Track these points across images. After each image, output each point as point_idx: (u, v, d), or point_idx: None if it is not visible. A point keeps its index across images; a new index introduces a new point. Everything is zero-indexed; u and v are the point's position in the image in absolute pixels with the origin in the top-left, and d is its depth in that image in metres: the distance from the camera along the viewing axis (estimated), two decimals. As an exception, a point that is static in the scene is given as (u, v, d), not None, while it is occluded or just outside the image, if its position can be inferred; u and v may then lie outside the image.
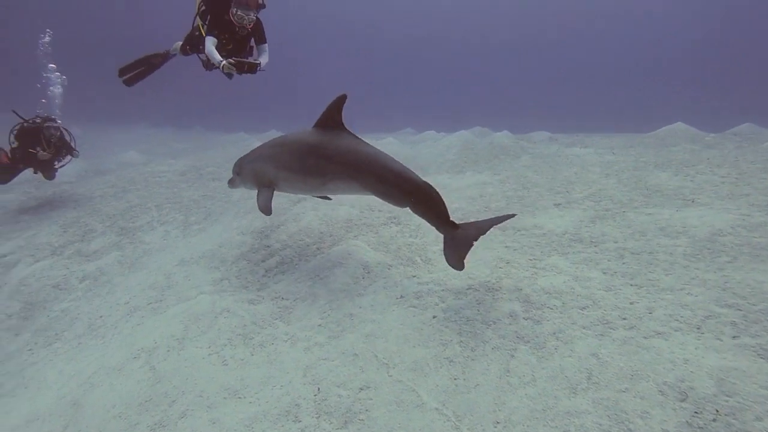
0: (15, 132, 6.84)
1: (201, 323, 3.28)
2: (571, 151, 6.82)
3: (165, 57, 6.53)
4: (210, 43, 5.25)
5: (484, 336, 2.84)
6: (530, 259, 3.66)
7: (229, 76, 5.43)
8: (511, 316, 2.95)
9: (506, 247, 4.01)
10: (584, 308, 2.85)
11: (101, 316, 3.96)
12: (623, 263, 3.32)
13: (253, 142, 11.87)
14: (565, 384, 2.34)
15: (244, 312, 3.40)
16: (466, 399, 2.46)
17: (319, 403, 2.58)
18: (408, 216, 4.93)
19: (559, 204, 4.74)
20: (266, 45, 5.71)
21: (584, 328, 2.68)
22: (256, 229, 4.98)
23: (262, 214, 3.88)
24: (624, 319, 2.67)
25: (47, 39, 8.91)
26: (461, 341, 2.84)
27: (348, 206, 5.11)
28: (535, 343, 2.69)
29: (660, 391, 2.11)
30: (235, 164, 4.28)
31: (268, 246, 4.60)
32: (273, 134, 14.26)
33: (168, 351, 3.06)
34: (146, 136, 17.80)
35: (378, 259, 3.98)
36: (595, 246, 3.70)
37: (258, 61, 5.39)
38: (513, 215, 3.36)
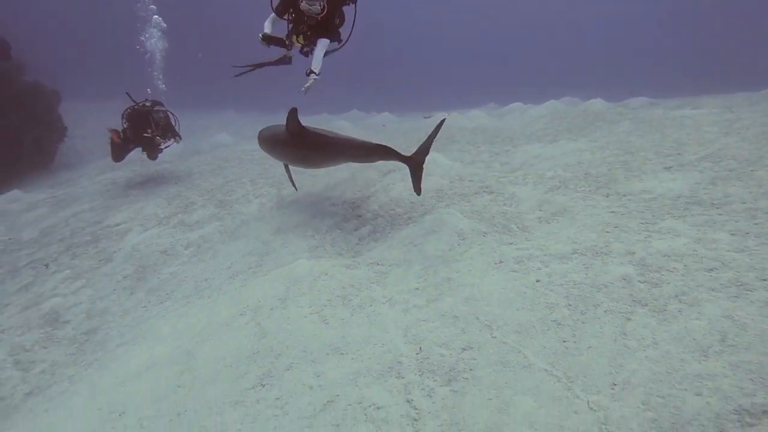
0: (126, 114, 7.40)
1: (301, 285, 3.36)
2: (679, 113, 6.24)
3: (283, 61, 5.85)
4: (269, 18, 5.13)
5: (594, 299, 2.67)
6: (641, 223, 3.39)
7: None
8: (625, 279, 2.75)
9: (612, 212, 3.74)
10: (711, 270, 2.59)
11: (206, 279, 4.20)
12: (756, 224, 2.97)
13: (336, 121, 12.06)
14: (693, 347, 2.14)
15: (342, 275, 3.44)
16: (577, 361, 2.33)
17: (421, 362, 2.55)
18: (500, 185, 4.77)
19: (670, 167, 4.35)
20: (326, 41, 5.13)
21: (713, 290, 2.43)
22: (347, 200, 5.04)
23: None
24: (764, 280, 2.39)
25: None
26: (569, 304, 2.69)
27: (438, 177, 5.02)
28: (654, 306, 2.48)
29: (819, 354, 1.86)
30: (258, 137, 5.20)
31: (359, 216, 4.64)
32: (354, 114, 14.46)
33: (272, 309, 3.16)
34: (234, 120, 18.67)
35: (472, 226, 3.87)
36: (717, 208, 3.35)
37: (281, 37, 5.10)
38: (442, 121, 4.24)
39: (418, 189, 4.35)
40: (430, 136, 4.22)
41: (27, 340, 3.87)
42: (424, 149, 4.24)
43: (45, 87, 13.29)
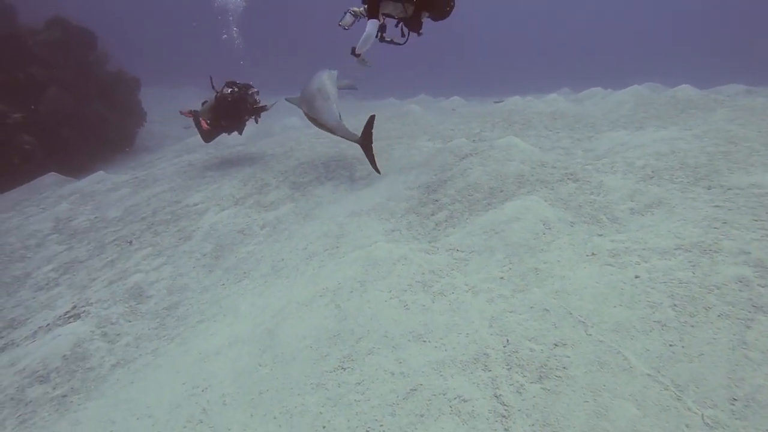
0: (223, 110, 7.29)
1: (380, 269, 3.29)
2: (789, 101, 5.65)
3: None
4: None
5: (705, 301, 2.43)
6: (754, 220, 3.06)
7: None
8: (741, 281, 2.48)
9: (716, 206, 3.42)
10: None
11: (283, 259, 4.22)
12: None
13: (402, 106, 11.91)
14: (836, 364, 1.88)
15: (421, 261, 3.34)
16: (687, 368, 2.12)
17: (509, 355, 2.42)
18: (586, 172, 4.49)
19: (784, 159, 3.93)
20: (374, 22, 5.07)
21: None
22: (422, 183, 4.93)
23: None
24: None
25: None
26: (675, 305, 2.46)
27: (518, 162, 4.80)
28: (779, 314, 2.22)
29: None
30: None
31: (436, 200, 4.52)
32: (423, 98, 14.24)
33: (351, 292, 3.12)
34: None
35: (558, 215, 3.66)
36: None
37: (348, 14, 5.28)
38: (373, 116, 5.38)
39: (374, 167, 5.47)
40: (367, 123, 5.30)
41: (113, 313, 4.03)
42: (367, 134, 5.32)
43: (126, 74, 13.98)
